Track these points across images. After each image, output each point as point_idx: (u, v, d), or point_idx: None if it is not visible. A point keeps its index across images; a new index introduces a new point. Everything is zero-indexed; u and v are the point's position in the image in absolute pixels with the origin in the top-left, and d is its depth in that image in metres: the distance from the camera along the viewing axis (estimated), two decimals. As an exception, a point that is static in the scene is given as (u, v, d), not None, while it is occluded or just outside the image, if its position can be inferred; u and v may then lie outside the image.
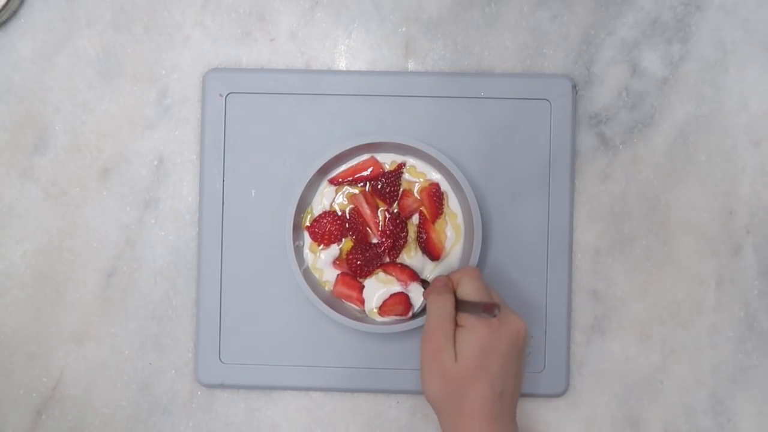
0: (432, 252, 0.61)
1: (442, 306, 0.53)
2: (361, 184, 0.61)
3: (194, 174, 0.64)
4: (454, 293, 0.54)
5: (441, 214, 0.61)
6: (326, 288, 0.61)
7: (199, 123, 0.64)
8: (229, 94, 0.62)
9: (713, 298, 0.63)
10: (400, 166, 0.61)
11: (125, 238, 0.64)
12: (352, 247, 0.61)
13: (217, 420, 0.64)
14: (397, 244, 0.60)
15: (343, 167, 0.61)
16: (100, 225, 0.64)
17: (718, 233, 0.63)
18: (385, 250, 0.60)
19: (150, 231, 0.64)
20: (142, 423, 0.64)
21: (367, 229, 0.61)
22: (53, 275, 0.64)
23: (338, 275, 0.61)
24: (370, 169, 0.61)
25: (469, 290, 0.53)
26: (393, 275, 0.59)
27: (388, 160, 0.61)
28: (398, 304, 0.59)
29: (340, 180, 0.61)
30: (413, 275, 0.60)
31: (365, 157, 0.61)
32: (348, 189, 0.61)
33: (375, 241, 0.61)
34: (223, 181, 0.62)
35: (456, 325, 0.52)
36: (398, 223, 0.60)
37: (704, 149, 0.63)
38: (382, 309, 0.59)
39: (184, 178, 0.64)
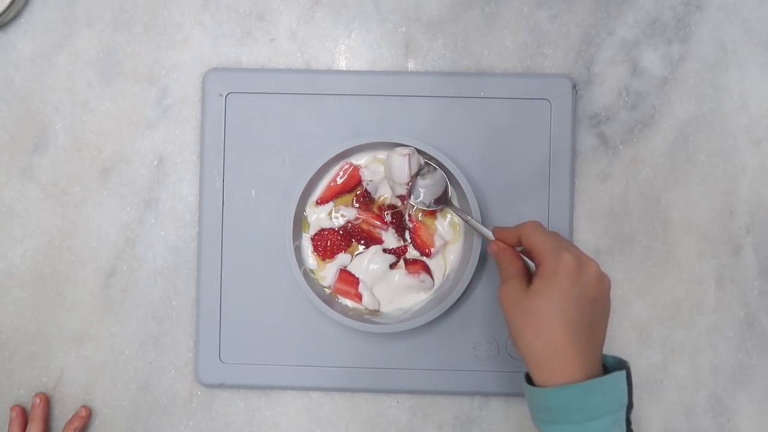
0: (420, 248, 0.61)
1: (509, 267, 0.52)
2: (348, 192, 0.61)
3: (194, 174, 0.64)
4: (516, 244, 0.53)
5: (435, 212, 0.61)
6: (326, 290, 0.62)
7: (199, 123, 0.64)
8: (229, 93, 0.62)
9: (713, 298, 0.63)
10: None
11: (125, 238, 0.64)
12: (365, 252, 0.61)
13: (217, 420, 0.64)
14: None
15: (323, 183, 0.61)
16: (100, 225, 0.64)
17: (718, 233, 0.63)
18: (403, 254, 0.61)
19: (150, 231, 0.64)
20: (142, 423, 0.64)
21: (379, 233, 0.61)
22: (53, 275, 0.64)
23: (338, 271, 0.61)
24: (345, 177, 0.61)
25: (533, 240, 0.51)
26: (407, 269, 0.61)
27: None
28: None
29: (319, 201, 0.61)
30: (425, 267, 0.60)
31: (336, 167, 0.61)
32: (340, 208, 0.61)
33: (385, 242, 0.61)
34: (223, 181, 0.62)
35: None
36: (400, 218, 0.61)
37: (704, 149, 0.63)
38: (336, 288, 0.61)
39: (184, 178, 0.64)
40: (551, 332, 0.47)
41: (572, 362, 0.46)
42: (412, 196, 0.59)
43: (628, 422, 0.48)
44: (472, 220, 0.57)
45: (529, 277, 0.51)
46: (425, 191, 0.59)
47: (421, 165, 0.59)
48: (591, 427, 0.46)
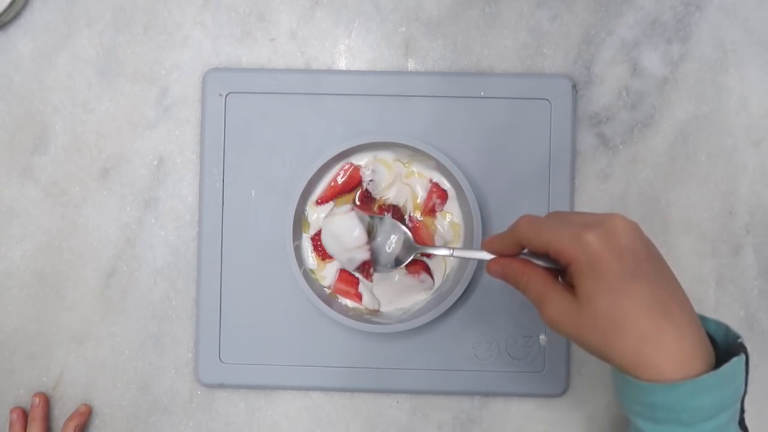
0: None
1: (533, 283, 0.45)
2: (349, 192, 0.61)
3: (194, 174, 0.64)
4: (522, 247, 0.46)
5: (434, 212, 0.61)
6: (326, 289, 0.62)
7: (199, 123, 0.64)
8: (229, 93, 0.62)
9: (713, 298, 0.63)
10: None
11: (125, 238, 0.64)
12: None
13: (217, 420, 0.64)
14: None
15: (323, 183, 0.61)
16: (100, 225, 0.64)
17: (718, 233, 0.63)
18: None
19: (150, 231, 0.64)
20: (142, 423, 0.64)
21: None
22: (53, 275, 0.64)
23: (338, 271, 0.61)
24: (346, 177, 0.60)
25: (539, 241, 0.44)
26: (407, 269, 0.60)
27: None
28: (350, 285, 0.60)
29: (319, 201, 0.61)
30: (425, 267, 0.60)
31: (336, 167, 0.61)
32: (338, 207, 0.61)
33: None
34: (223, 181, 0.62)
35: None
36: (401, 218, 0.61)
37: (704, 149, 0.63)
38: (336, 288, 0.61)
39: (184, 178, 0.64)
40: (637, 326, 0.39)
41: (678, 347, 0.39)
42: (380, 260, 0.54)
43: (742, 410, 0.41)
44: (456, 251, 0.50)
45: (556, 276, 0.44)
46: (392, 245, 0.52)
47: (363, 219, 0.52)
48: (702, 428, 0.39)
